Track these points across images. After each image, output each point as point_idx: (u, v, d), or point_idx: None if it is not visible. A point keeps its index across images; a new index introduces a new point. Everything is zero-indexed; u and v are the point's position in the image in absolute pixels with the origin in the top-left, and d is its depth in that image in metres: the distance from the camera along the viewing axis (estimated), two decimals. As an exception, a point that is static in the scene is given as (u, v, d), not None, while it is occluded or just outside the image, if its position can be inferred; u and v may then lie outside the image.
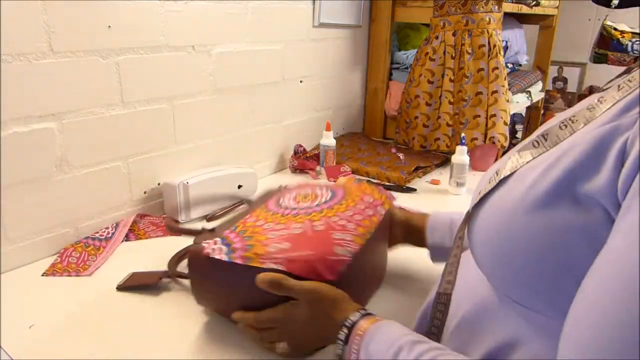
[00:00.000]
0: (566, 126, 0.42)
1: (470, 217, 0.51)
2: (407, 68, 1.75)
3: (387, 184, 1.39)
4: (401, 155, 1.54)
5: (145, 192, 1.13)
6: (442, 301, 0.52)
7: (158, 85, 1.09)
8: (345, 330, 0.56)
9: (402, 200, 1.25)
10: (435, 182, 1.41)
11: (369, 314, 0.58)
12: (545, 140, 0.43)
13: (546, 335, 0.41)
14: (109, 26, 0.97)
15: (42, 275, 0.89)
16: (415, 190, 1.34)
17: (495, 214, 0.45)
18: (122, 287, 0.83)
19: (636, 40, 1.60)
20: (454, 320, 0.53)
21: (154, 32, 1.06)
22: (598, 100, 0.40)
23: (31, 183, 0.91)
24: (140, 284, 0.83)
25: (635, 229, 0.32)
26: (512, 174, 0.45)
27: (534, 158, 0.43)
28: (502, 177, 0.45)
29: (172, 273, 0.84)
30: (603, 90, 0.46)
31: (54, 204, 0.95)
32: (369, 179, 1.43)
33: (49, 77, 0.89)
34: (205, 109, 1.21)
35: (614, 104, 0.39)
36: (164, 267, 0.92)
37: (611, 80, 0.49)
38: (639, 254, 0.31)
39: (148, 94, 1.07)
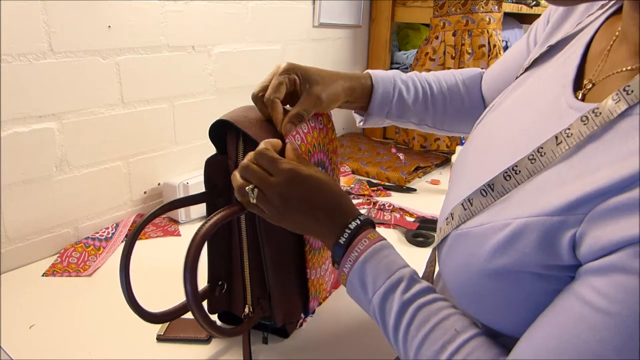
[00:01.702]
0: (510, 177, 0.44)
1: (437, 253, 0.53)
2: (407, 68, 1.75)
3: (387, 184, 1.39)
4: (401, 155, 1.54)
5: (145, 192, 1.13)
6: None
7: (158, 85, 1.09)
8: (347, 233, 0.53)
9: (402, 200, 1.26)
10: (435, 182, 1.41)
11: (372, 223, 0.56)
12: (492, 190, 0.45)
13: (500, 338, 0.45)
14: (109, 26, 0.97)
15: (42, 275, 0.89)
16: (415, 190, 1.34)
17: (460, 269, 0.47)
18: (162, 338, 0.72)
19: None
20: None
21: (154, 32, 1.06)
22: (538, 152, 0.43)
23: (31, 183, 0.91)
24: (185, 338, 0.72)
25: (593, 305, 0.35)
26: (467, 227, 0.47)
27: (484, 208, 0.46)
28: (457, 223, 0.48)
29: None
30: None
31: (54, 204, 0.95)
32: (369, 179, 1.43)
33: (49, 77, 0.89)
34: (205, 109, 1.21)
35: (554, 163, 0.41)
36: (165, 265, 0.92)
37: None
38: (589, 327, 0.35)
39: (148, 94, 1.07)
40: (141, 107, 1.07)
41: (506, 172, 0.44)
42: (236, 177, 0.57)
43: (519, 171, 0.44)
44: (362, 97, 0.72)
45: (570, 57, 0.50)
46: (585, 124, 0.40)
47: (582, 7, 0.55)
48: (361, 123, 0.77)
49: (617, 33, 0.47)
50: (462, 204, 0.48)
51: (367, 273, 0.51)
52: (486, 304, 0.45)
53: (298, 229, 0.57)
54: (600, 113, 0.39)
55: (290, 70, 0.63)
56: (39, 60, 0.87)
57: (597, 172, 0.37)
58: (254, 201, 0.55)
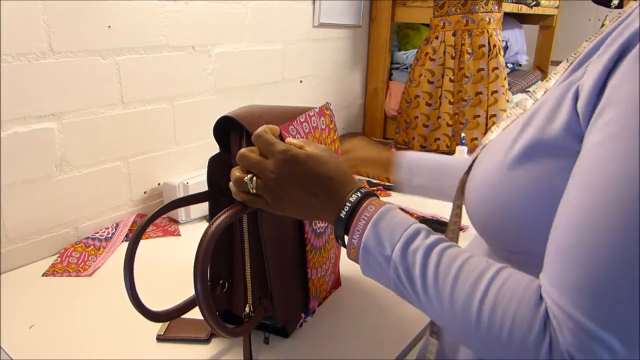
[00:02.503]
0: (530, 97, 0.52)
1: (464, 184, 0.57)
2: (407, 68, 1.75)
3: (387, 184, 1.39)
4: (401, 155, 1.54)
5: (145, 192, 1.13)
6: None
7: (158, 85, 1.09)
8: (348, 206, 0.51)
9: (402, 201, 1.25)
10: (435, 182, 1.40)
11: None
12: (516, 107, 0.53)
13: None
14: (109, 26, 0.97)
15: (42, 275, 0.89)
16: (415, 190, 1.34)
17: (484, 175, 0.51)
18: (162, 338, 0.72)
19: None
20: None
21: (154, 32, 1.06)
22: (552, 74, 0.50)
23: (31, 183, 0.91)
24: (185, 338, 0.71)
25: (607, 144, 0.38)
26: (493, 140, 0.53)
27: (508, 125, 0.52)
28: (485, 143, 0.54)
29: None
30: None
31: (54, 204, 0.95)
32: (369, 179, 1.43)
33: (49, 77, 0.89)
34: (205, 109, 1.21)
35: (564, 72, 0.48)
36: (165, 265, 0.92)
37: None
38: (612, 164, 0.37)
39: (148, 94, 1.07)
40: (141, 107, 1.07)
41: (527, 93, 0.53)
42: (234, 172, 0.56)
43: (536, 90, 0.52)
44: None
45: None
46: (588, 41, 0.47)
47: None
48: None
49: None
50: (491, 131, 0.55)
51: (381, 232, 0.49)
52: (510, 214, 0.47)
53: (300, 212, 0.55)
54: (600, 32, 0.46)
55: None
56: (39, 60, 0.87)
57: (591, 45, 0.44)
58: (254, 191, 0.54)
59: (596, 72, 0.40)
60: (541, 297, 0.40)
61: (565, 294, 0.38)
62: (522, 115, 0.51)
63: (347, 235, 0.52)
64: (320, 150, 0.55)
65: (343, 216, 0.52)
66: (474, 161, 0.55)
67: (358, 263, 0.52)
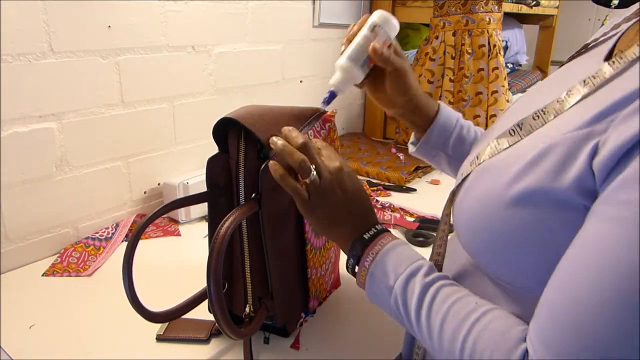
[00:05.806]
0: (539, 117, 0.46)
1: (454, 196, 0.55)
2: (407, 68, 1.75)
3: (387, 184, 1.39)
4: (401, 155, 1.54)
5: (145, 192, 1.13)
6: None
7: (158, 85, 1.09)
8: (373, 231, 0.57)
9: (402, 200, 1.26)
10: (435, 182, 1.41)
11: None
12: (520, 129, 0.47)
13: (516, 302, 0.47)
14: (109, 26, 0.97)
15: (42, 275, 0.89)
16: (415, 190, 1.34)
17: (478, 203, 0.48)
18: (162, 338, 0.72)
19: (636, 40, 1.60)
20: None
21: (154, 32, 1.06)
22: (566, 94, 0.45)
23: (31, 183, 0.91)
24: (184, 338, 0.71)
25: (613, 222, 0.36)
26: (491, 160, 0.49)
27: (510, 146, 0.47)
28: (482, 160, 0.50)
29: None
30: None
31: (54, 204, 0.95)
32: (369, 179, 1.43)
33: (49, 77, 0.89)
34: (205, 109, 1.21)
35: (580, 99, 0.43)
36: (165, 265, 0.92)
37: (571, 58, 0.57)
38: (617, 242, 0.36)
39: (148, 94, 1.07)
40: (141, 107, 1.07)
41: (535, 113, 0.47)
42: (298, 155, 0.55)
43: (547, 111, 0.46)
44: (426, 109, 0.75)
45: (602, 50, 0.52)
46: (611, 66, 0.42)
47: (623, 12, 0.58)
48: (414, 150, 0.79)
49: None
50: (489, 144, 0.50)
51: (389, 263, 0.53)
52: (502, 248, 0.46)
53: (326, 222, 0.58)
54: (625, 56, 0.42)
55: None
56: (39, 60, 0.87)
57: (621, 90, 0.39)
58: (310, 180, 0.55)
59: (621, 139, 0.37)
60: (516, 346, 0.42)
61: (552, 355, 0.39)
62: (527, 142, 0.46)
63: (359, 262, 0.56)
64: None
65: (367, 238, 0.56)
66: (468, 175, 0.52)
67: (364, 289, 0.55)
